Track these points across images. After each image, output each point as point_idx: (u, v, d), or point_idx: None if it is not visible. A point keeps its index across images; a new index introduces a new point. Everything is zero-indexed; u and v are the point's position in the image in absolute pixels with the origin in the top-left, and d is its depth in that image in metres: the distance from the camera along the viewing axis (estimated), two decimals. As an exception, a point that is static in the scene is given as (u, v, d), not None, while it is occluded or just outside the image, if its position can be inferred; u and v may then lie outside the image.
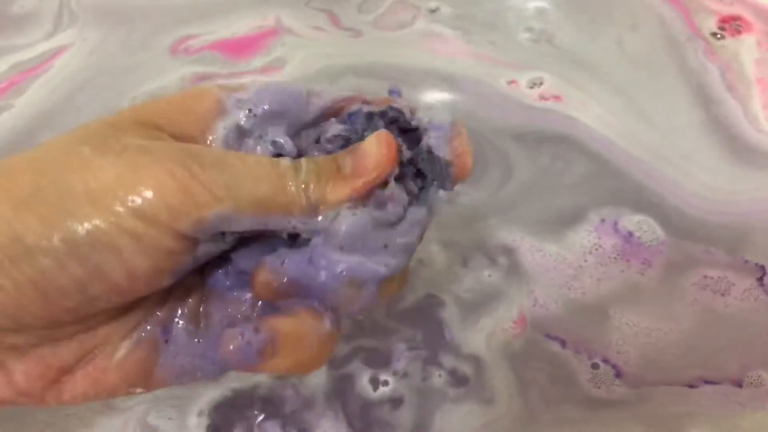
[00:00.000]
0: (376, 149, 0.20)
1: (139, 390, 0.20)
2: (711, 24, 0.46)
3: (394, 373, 0.32)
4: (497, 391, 0.32)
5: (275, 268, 0.19)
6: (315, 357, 0.20)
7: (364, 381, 0.32)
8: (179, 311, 0.20)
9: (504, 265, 0.36)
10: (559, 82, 0.43)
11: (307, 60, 0.46)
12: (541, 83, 0.43)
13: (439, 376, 0.32)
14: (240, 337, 0.19)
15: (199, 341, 0.20)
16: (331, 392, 0.32)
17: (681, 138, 0.40)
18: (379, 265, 0.20)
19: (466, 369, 0.33)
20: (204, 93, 0.21)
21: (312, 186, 0.19)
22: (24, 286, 0.17)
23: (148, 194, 0.17)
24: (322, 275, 0.19)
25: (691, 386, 0.32)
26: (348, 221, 0.19)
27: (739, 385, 0.32)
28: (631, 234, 0.36)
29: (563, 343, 0.33)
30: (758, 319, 0.33)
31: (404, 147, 0.21)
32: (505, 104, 0.42)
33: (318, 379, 0.32)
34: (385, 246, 0.20)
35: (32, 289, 0.17)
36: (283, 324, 0.20)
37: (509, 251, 0.36)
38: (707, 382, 0.32)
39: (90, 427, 0.31)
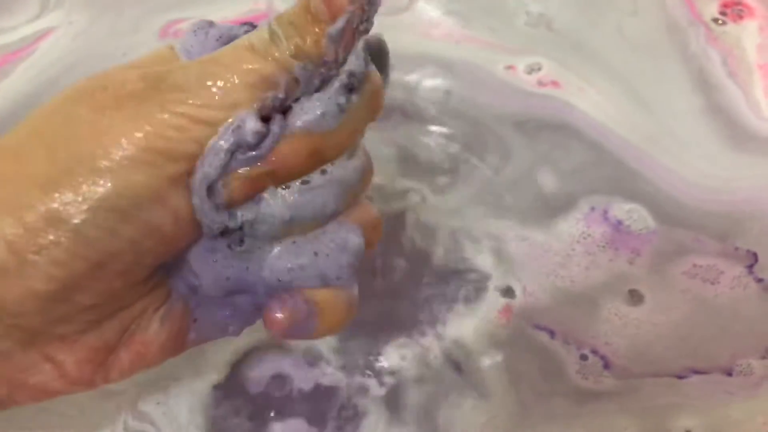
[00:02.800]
0: None
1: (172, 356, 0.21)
2: (712, 9, 0.45)
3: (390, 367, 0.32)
4: (492, 385, 0.31)
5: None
6: (346, 316, 0.21)
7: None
8: None
9: (490, 252, 0.35)
10: (558, 68, 0.43)
11: None
12: (539, 69, 0.43)
13: (437, 365, 0.32)
14: (295, 311, 0.20)
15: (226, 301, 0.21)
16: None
17: (680, 125, 0.40)
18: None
19: (460, 360, 0.32)
20: (162, 49, 0.21)
21: (296, 41, 0.18)
22: (75, 265, 0.17)
23: (169, 133, 0.17)
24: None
25: (680, 377, 0.31)
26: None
27: (728, 374, 0.31)
28: (620, 222, 0.36)
29: (552, 334, 0.33)
30: (748, 307, 0.33)
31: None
32: (503, 90, 0.42)
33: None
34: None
35: (85, 264, 0.17)
36: (319, 294, 0.21)
37: (496, 238, 0.36)
38: (696, 372, 0.31)
39: (83, 411, 0.31)
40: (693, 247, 0.35)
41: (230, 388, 0.31)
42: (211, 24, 0.22)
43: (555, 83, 0.42)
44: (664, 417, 0.30)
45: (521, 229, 0.36)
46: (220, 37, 0.21)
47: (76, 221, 0.17)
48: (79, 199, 0.17)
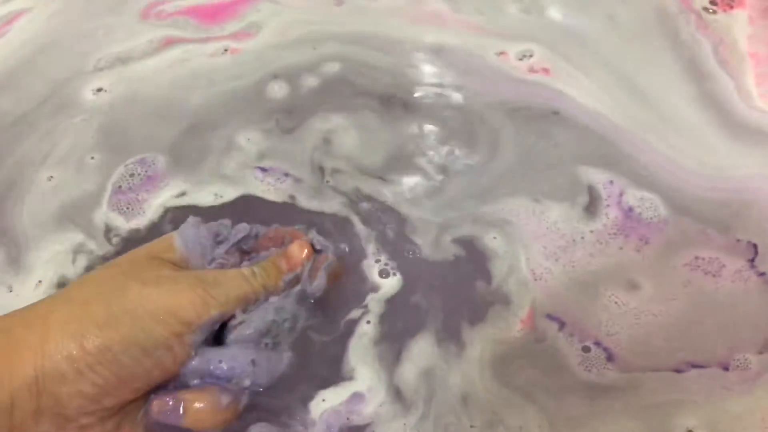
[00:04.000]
0: (299, 252, 0.32)
1: None
2: (703, -2, 0.45)
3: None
4: (507, 396, 0.31)
5: None
6: (215, 420, 0.29)
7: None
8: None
9: (498, 239, 0.35)
10: (549, 55, 0.42)
11: (283, 27, 0.44)
12: (530, 55, 0.42)
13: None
14: (162, 405, 0.28)
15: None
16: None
17: (673, 112, 0.39)
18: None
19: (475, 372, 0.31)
20: (170, 238, 0.31)
21: (267, 282, 0.30)
22: (110, 379, 0.26)
23: (187, 309, 0.27)
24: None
25: (678, 371, 0.31)
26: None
27: (725, 368, 0.31)
28: (631, 209, 0.36)
29: (562, 325, 0.32)
30: (748, 301, 0.33)
31: None
32: (495, 77, 0.41)
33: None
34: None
35: (115, 379, 0.26)
36: (188, 395, 0.28)
37: (502, 223, 0.36)
38: (694, 366, 0.31)
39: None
40: (696, 238, 0.34)
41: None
42: (200, 222, 0.32)
43: (546, 70, 0.41)
44: (666, 415, 0.30)
45: (519, 214, 0.36)
46: (209, 231, 0.32)
47: (116, 351, 0.26)
48: (121, 338, 0.26)
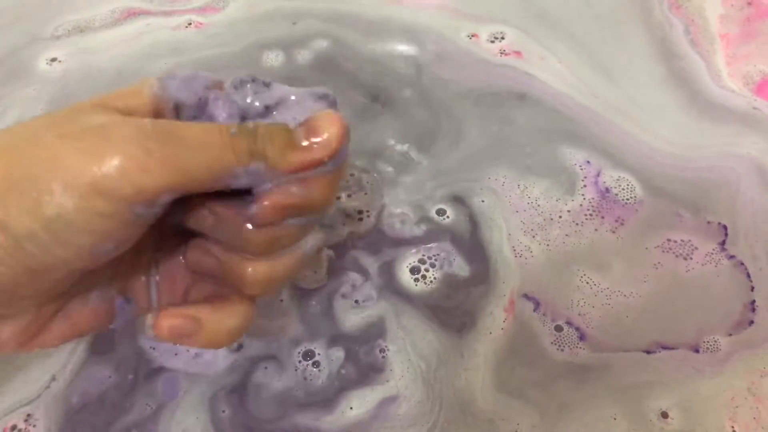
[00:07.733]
0: (331, 128, 0.21)
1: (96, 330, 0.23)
2: (677, -23, 0.44)
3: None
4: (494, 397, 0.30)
5: None
6: (222, 339, 0.23)
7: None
8: (138, 280, 0.24)
9: (476, 217, 0.35)
10: (521, 37, 0.42)
11: (252, 1, 0.43)
12: (502, 38, 0.42)
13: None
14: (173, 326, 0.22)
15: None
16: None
17: (642, 93, 0.39)
18: None
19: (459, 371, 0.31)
20: (145, 81, 0.22)
21: (267, 150, 0.20)
22: (16, 269, 0.19)
23: (112, 176, 0.18)
24: None
25: (648, 352, 0.31)
26: None
27: (695, 350, 0.31)
28: (608, 190, 0.35)
29: (537, 305, 0.32)
30: (718, 283, 0.33)
31: None
32: (466, 62, 0.41)
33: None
34: None
35: (23, 270, 0.19)
36: (204, 312, 0.23)
37: (489, 190, 0.36)
38: (665, 347, 0.31)
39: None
40: (669, 220, 0.34)
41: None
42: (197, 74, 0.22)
43: (518, 53, 0.41)
44: (640, 398, 0.30)
45: (493, 194, 0.36)
46: (206, 81, 0.22)
47: (15, 233, 0.18)
48: (22, 216, 0.18)
